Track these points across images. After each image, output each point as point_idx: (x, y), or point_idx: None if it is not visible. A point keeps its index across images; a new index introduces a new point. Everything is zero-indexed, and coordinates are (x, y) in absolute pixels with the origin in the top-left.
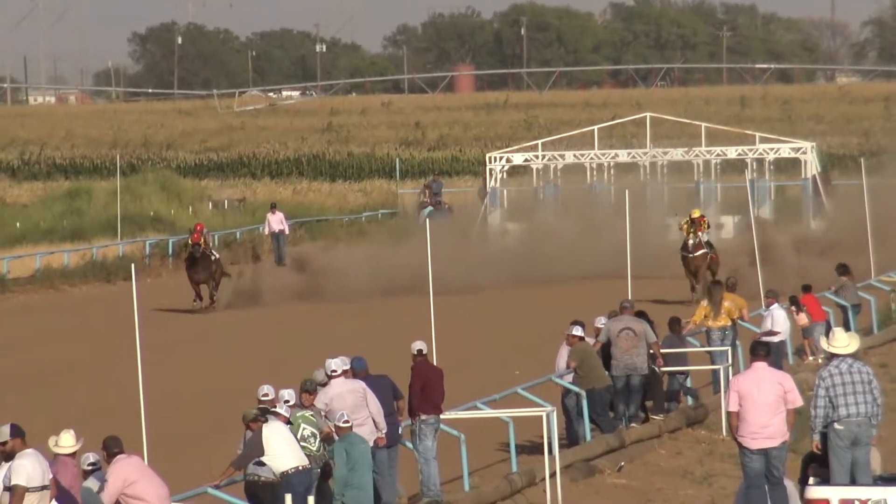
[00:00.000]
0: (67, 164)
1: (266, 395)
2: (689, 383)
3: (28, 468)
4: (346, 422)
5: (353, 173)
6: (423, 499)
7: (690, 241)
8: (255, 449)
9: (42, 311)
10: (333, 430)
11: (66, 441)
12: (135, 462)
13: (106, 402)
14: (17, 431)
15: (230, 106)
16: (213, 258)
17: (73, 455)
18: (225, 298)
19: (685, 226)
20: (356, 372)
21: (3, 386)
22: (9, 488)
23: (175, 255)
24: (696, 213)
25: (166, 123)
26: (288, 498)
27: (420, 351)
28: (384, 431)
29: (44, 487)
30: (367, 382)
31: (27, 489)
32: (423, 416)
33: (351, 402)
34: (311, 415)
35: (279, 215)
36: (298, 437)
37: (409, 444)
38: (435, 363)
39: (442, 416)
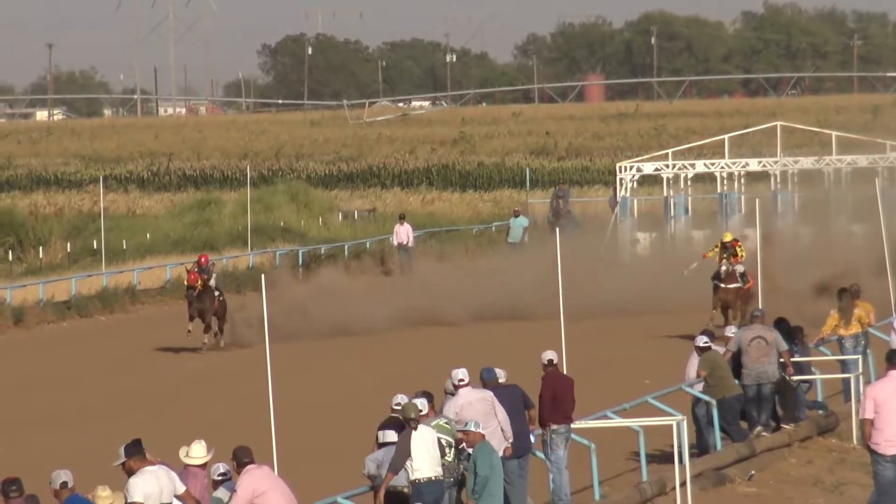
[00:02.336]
0: (197, 175)
1: (399, 403)
2: (819, 396)
3: (142, 486)
4: (482, 431)
5: (482, 183)
6: None
7: (723, 269)
8: (406, 452)
9: (171, 323)
10: (465, 439)
11: (197, 452)
12: (264, 472)
13: (236, 413)
14: (132, 450)
15: (360, 116)
16: (216, 294)
17: (203, 466)
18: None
19: (715, 251)
20: (486, 382)
21: (135, 401)
22: None
23: (305, 266)
24: (728, 237)
25: (296, 134)
26: None
27: (550, 361)
28: (511, 441)
29: None
30: (498, 392)
31: None
32: (554, 426)
33: (480, 411)
34: (447, 423)
35: (407, 227)
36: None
37: (540, 454)
38: (565, 373)
39: (572, 426)
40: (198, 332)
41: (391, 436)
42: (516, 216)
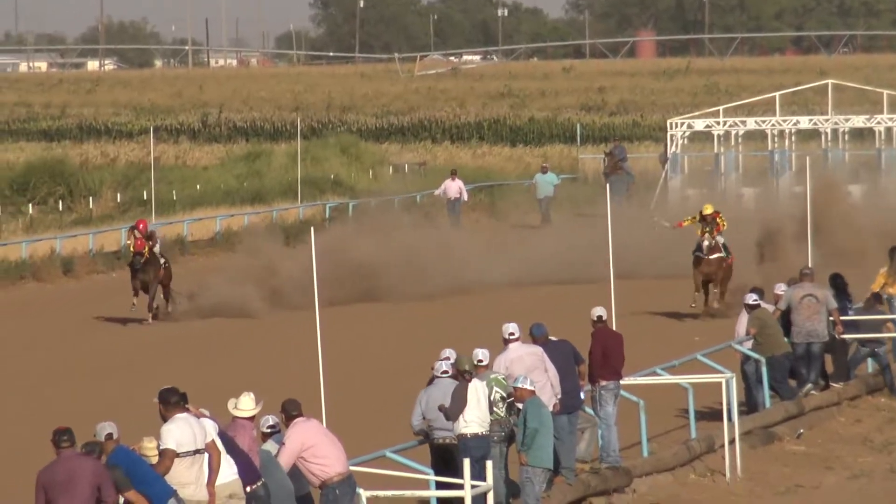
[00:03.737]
0: (248, 127)
1: (447, 357)
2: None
3: (176, 432)
4: (532, 385)
5: (533, 138)
6: (602, 464)
7: (706, 243)
8: (462, 401)
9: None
10: (515, 394)
11: (246, 404)
12: (313, 425)
13: (284, 364)
14: (165, 396)
15: (411, 70)
16: (161, 262)
17: (251, 418)
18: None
19: (692, 221)
20: (535, 338)
21: (182, 349)
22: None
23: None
24: (708, 209)
25: (347, 87)
26: (466, 462)
27: (600, 317)
28: (559, 396)
29: (197, 451)
30: (549, 348)
31: (177, 453)
32: (604, 382)
33: (529, 365)
34: (503, 378)
35: (458, 182)
36: (491, 400)
37: (590, 410)
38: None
39: (622, 382)
40: (142, 305)
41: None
42: (543, 172)
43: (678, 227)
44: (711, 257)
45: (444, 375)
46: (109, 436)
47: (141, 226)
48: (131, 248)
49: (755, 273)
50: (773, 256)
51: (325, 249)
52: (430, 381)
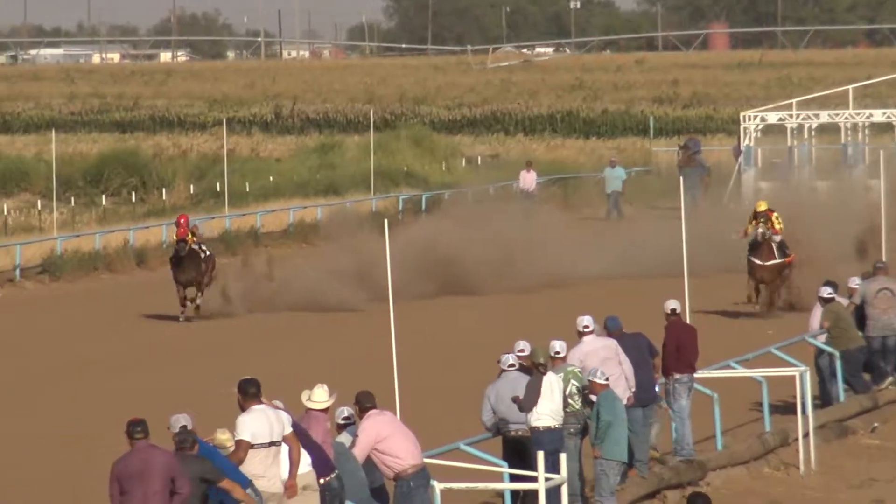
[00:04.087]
0: (321, 119)
1: (522, 350)
2: None
3: (252, 424)
4: (606, 379)
5: (606, 130)
6: (676, 457)
7: (760, 231)
8: (536, 393)
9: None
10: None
11: (319, 396)
12: (387, 418)
13: (359, 356)
14: (244, 387)
15: (484, 62)
16: (202, 255)
17: (325, 410)
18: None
19: (750, 224)
20: (610, 331)
21: (254, 340)
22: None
23: (427, 210)
24: (762, 206)
25: (420, 79)
26: (539, 455)
27: (674, 310)
28: (633, 389)
29: (272, 444)
30: (623, 341)
31: (252, 445)
32: (677, 376)
33: (603, 358)
34: (579, 371)
35: (533, 174)
36: (567, 392)
37: (664, 403)
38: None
39: (695, 375)
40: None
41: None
42: (612, 166)
43: (744, 237)
44: (767, 263)
45: (510, 369)
46: (184, 427)
47: (182, 220)
48: (174, 237)
49: (857, 267)
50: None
51: (409, 242)
52: (499, 376)
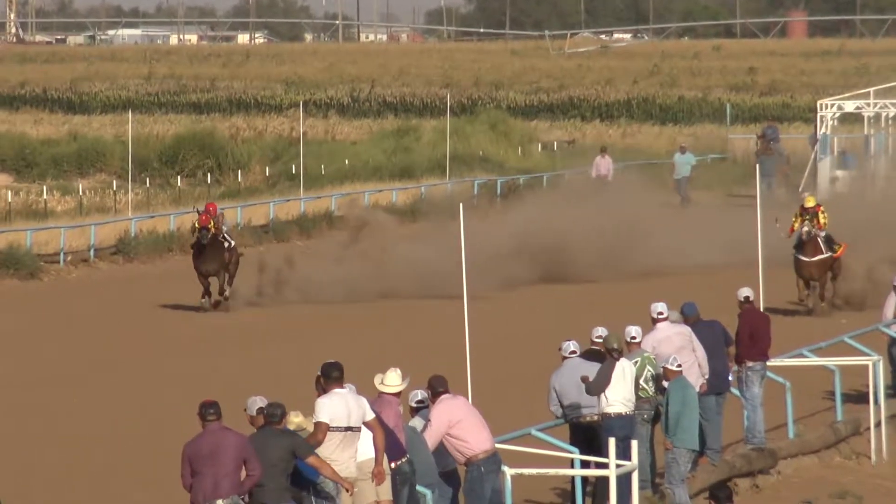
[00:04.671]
0: (397, 103)
1: (600, 336)
2: None
3: (330, 407)
4: (679, 366)
5: (683, 117)
6: (748, 445)
7: (805, 230)
8: (606, 379)
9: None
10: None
11: (392, 380)
12: (459, 402)
13: (433, 340)
14: (327, 370)
15: (561, 47)
16: (226, 245)
17: (397, 394)
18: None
19: (797, 220)
20: (687, 317)
21: (329, 323)
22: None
23: (503, 196)
24: (810, 202)
25: (497, 64)
26: (611, 442)
27: (747, 298)
28: (707, 377)
29: (349, 429)
30: (699, 328)
31: (330, 427)
32: (750, 363)
33: (677, 346)
34: (654, 357)
35: (608, 159)
36: (641, 379)
37: (736, 391)
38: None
39: (768, 363)
40: (214, 290)
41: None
42: (682, 152)
43: (791, 234)
44: (813, 259)
45: (572, 356)
46: (261, 410)
47: (211, 208)
48: (195, 225)
49: None
50: None
51: (508, 228)
52: (585, 353)
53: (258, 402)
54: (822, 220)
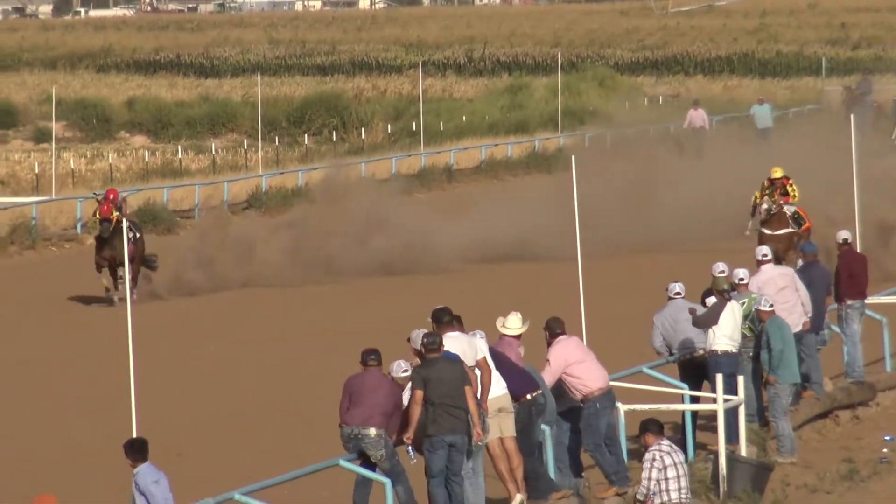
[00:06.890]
0: (510, 61)
1: (722, 271)
2: None
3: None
4: (771, 306)
5: (781, 71)
6: (848, 379)
7: (764, 206)
8: (715, 316)
9: (484, 199)
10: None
11: (513, 323)
12: (574, 343)
13: (548, 283)
14: (438, 315)
15: (665, 7)
16: (131, 236)
17: (518, 337)
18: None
19: (759, 194)
20: (805, 254)
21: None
22: None
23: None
24: (777, 173)
25: (604, 24)
26: (718, 378)
27: (846, 240)
28: (809, 315)
29: None
30: (808, 269)
31: None
32: (850, 301)
33: (780, 286)
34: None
35: (701, 112)
36: (749, 318)
37: (836, 328)
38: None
39: (866, 301)
40: (110, 282)
41: (709, 303)
42: (760, 104)
43: (759, 205)
44: (778, 233)
45: (676, 297)
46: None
47: (111, 195)
48: (97, 215)
49: None
50: None
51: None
52: (666, 303)
53: (422, 334)
54: (791, 193)
